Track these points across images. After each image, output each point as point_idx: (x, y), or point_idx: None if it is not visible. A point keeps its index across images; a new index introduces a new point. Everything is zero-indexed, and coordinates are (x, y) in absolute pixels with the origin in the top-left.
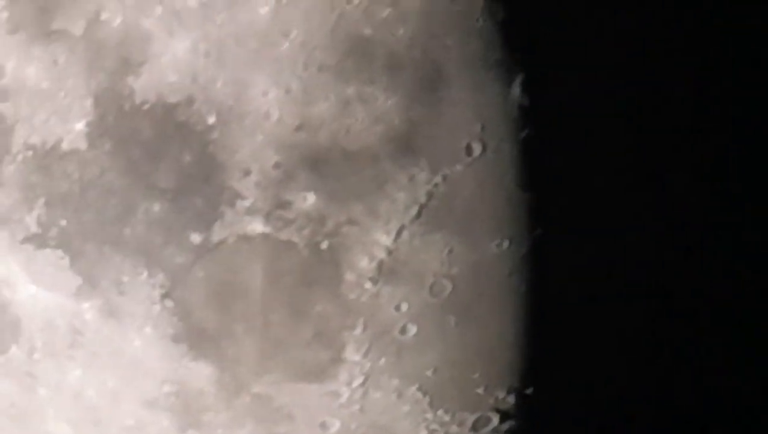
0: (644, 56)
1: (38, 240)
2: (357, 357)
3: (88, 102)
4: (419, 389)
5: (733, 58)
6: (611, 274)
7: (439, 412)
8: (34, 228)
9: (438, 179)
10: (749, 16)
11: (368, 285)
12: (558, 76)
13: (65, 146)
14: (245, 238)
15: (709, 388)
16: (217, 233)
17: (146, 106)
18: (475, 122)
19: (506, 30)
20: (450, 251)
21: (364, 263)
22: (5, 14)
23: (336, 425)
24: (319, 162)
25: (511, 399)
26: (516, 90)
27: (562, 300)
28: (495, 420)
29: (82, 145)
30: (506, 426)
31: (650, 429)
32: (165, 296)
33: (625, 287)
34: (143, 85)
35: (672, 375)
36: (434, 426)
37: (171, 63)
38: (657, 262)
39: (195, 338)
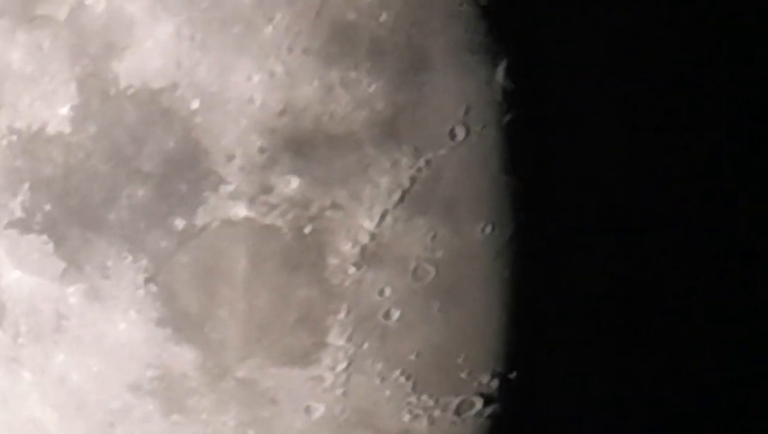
0: (631, 43)
1: (22, 225)
2: (341, 342)
3: (73, 87)
4: (403, 373)
5: (726, 54)
6: (595, 259)
7: (423, 396)
8: (18, 213)
9: (421, 163)
10: (743, 13)
11: (352, 270)
12: (542, 61)
13: (50, 130)
14: (229, 222)
15: (692, 375)
16: (201, 218)
17: (130, 91)
18: (459, 106)
19: (490, 15)
20: (433, 236)
21: (348, 248)
22: None
23: (320, 409)
24: (302, 146)
25: (495, 384)
26: (500, 75)
27: (546, 285)
28: (478, 404)
29: (67, 129)
30: (490, 409)
31: (635, 414)
32: (149, 280)
33: (610, 273)
34: (127, 70)
35: (658, 362)
36: (417, 410)
37: (155, 48)
38: (642, 249)
39: (179, 322)
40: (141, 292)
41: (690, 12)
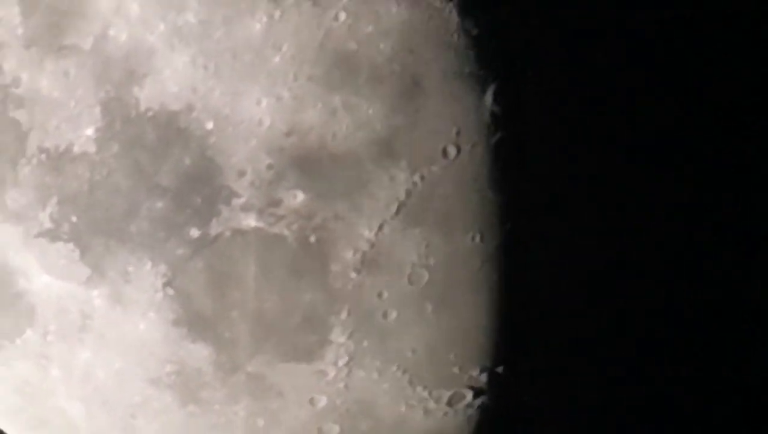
0: (608, 66)
1: (51, 235)
2: (342, 339)
3: (97, 110)
4: (399, 368)
5: (706, 74)
6: (575, 265)
7: (418, 389)
8: (47, 224)
9: (416, 179)
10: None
11: (353, 275)
12: (527, 86)
13: (76, 149)
14: (240, 232)
15: (672, 371)
16: (215, 228)
17: (150, 114)
18: (451, 127)
19: (479, 45)
20: (427, 245)
21: (349, 255)
22: (20, 30)
23: (323, 401)
24: (307, 164)
25: (484, 378)
26: (488, 99)
27: (529, 289)
28: (469, 396)
29: (92, 149)
30: (479, 401)
31: (616, 406)
32: (167, 284)
33: (587, 276)
34: (147, 95)
35: (638, 358)
36: (413, 402)
37: (172, 75)
38: (619, 252)
39: (194, 322)
40: (159, 295)
41: (668, 35)
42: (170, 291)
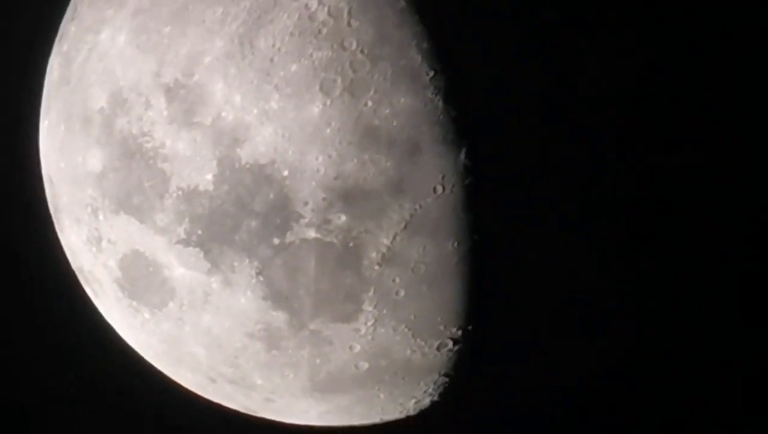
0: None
1: (185, 242)
2: (370, 309)
3: (214, 163)
4: (406, 327)
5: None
6: (520, 261)
7: (418, 340)
8: (182, 235)
9: (416, 207)
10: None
11: (376, 267)
12: (485, 149)
13: (201, 188)
14: (305, 240)
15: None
16: (289, 238)
17: (247, 166)
18: (439, 174)
19: (456, 122)
20: (424, 248)
21: (374, 255)
22: (166, 113)
23: (357, 347)
24: (347, 197)
25: (459, 333)
26: (462, 156)
27: (490, 276)
28: (450, 344)
29: (210, 187)
30: (456, 347)
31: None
32: (258, 274)
33: (528, 268)
34: (246, 153)
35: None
36: (414, 348)
37: (262, 141)
38: (557, 248)
39: (275, 298)
40: (253, 280)
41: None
42: (261, 278)
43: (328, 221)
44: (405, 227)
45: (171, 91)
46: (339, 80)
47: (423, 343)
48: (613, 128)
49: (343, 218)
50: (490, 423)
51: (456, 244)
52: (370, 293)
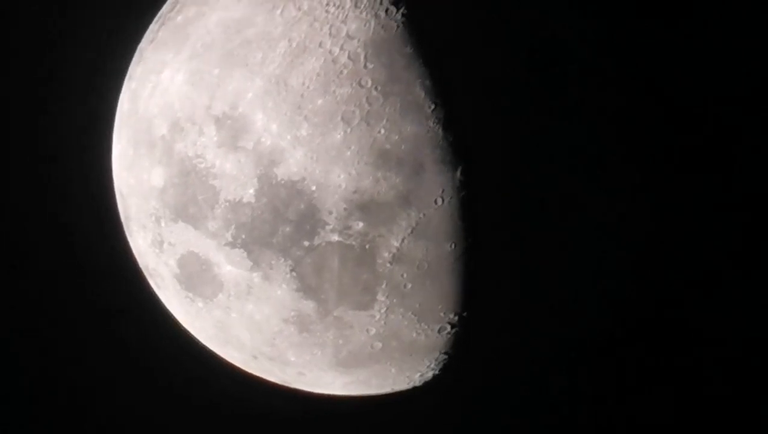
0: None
1: (231, 245)
2: (383, 299)
3: (255, 180)
4: (413, 313)
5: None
6: (514, 260)
7: (422, 324)
8: (229, 239)
9: (421, 215)
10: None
11: (388, 265)
12: (479, 168)
13: (244, 200)
14: (329, 243)
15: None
16: (316, 241)
17: (282, 182)
18: (439, 189)
19: (453, 146)
20: (427, 249)
21: (386, 255)
22: (215, 138)
23: (373, 331)
24: (364, 208)
25: (456, 318)
26: (458, 174)
27: (480, 270)
28: (449, 328)
29: (252, 200)
30: (454, 330)
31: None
32: (292, 270)
33: (512, 266)
34: (281, 172)
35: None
36: (419, 331)
37: (294, 162)
38: (535, 243)
39: (306, 290)
40: (288, 276)
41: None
42: (293, 274)
43: (348, 227)
44: (411, 232)
45: (220, 121)
46: (357, 112)
47: (426, 327)
48: (586, 155)
49: (361, 224)
50: (483, 392)
51: (453, 246)
52: (383, 286)
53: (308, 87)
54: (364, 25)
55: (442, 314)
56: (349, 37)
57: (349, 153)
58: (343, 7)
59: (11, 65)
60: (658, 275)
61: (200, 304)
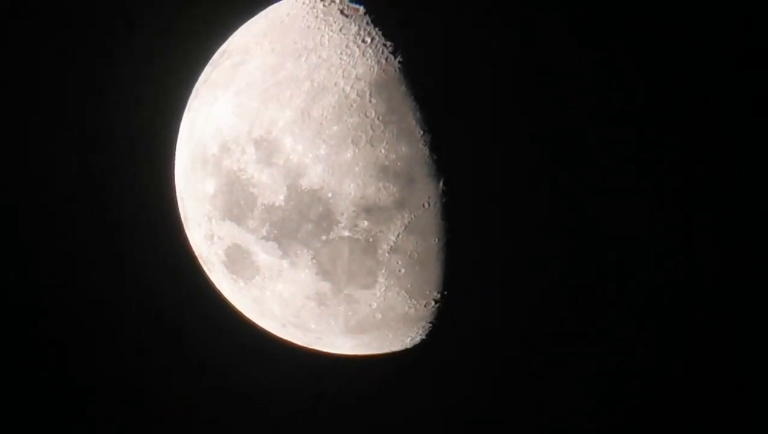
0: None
1: (266, 238)
2: (383, 280)
3: (284, 188)
4: (405, 291)
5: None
6: (485, 251)
7: (412, 300)
8: (264, 234)
9: (412, 216)
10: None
11: (387, 254)
12: (457, 181)
13: (276, 204)
14: (342, 237)
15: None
16: (331, 235)
17: (306, 189)
18: (426, 195)
19: (438, 162)
20: (416, 242)
21: (385, 246)
22: (255, 156)
23: (374, 305)
24: (368, 210)
25: (439, 295)
26: (441, 184)
27: (459, 261)
28: (433, 303)
29: (282, 204)
30: (438, 305)
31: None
32: (312, 258)
33: (484, 254)
34: (305, 183)
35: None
36: (410, 306)
37: (314, 175)
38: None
39: (323, 273)
40: (309, 262)
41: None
42: (314, 261)
43: (356, 225)
44: (405, 229)
45: (258, 143)
46: (363, 136)
47: (416, 302)
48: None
49: (366, 223)
50: (459, 352)
51: (436, 240)
52: (383, 271)
53: (326, 117)
54: (370, 69)
55: (428, 292)
56: (357, 78)
57: (357, 168)
58: (353, 56)
59: (106, 107)
60: (593, 263)
61: (242, 284)
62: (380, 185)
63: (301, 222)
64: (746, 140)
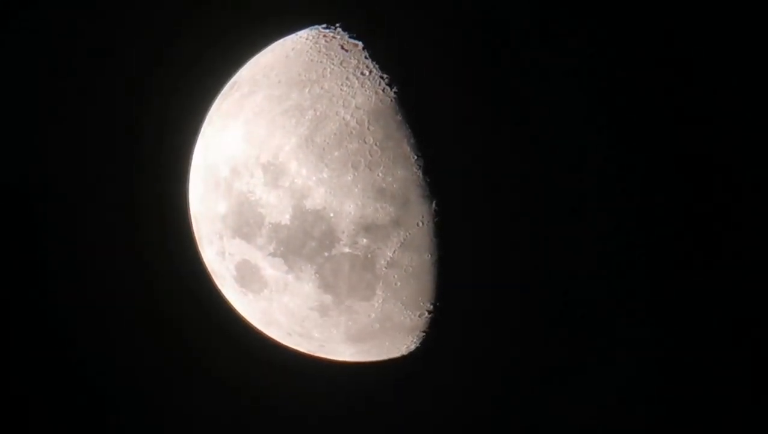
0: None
1: (273, 254)
2: (380, 293)
3: (290, 208)
4: (401, 302)
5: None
6: (474, 266)
7: (407, 311)
8: (271, 250)
9: (407, 234)
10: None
11: (384, 269)
12: (449, 202)
13: (282, 223)
14: (342, 253)
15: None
16: (333, 252)
17: (310, 210)
18: (420, 215)
19: (431, 185)
20: (411, 258)
21: (383, 262)
22: (263, 180)
23: (373, 315)
24: (367, 228)
25: (432, 306)
26: (433, 205)
27: (450, 275)
28: (427, 313)
29: (288, 222)
30: (431, 315)
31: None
32: (316, 273)
33: (479, 271)
34: (309, 204)
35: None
36: (405, 316)
37: (318, 196)
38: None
39: (326, 286)
40: (313, 276)
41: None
42: (317, 276)
43: (356, 242)
44: (400, 246)
45: (265, 167)
46: (362, 161)
47: (410, 313)
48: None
49: (365, 240)
50: (451, 359)
51: (429, 256)
52: (380, 284)
53: (328, 143)
54: (368, 99)
55: (421, 303)
56: (356, 108)
57: (356, 190)
58: (352, 87)
59: (130, 139)
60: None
61: (251, 296)
62: (378, 205)
63: (305, 240)
64: (746, 139)
